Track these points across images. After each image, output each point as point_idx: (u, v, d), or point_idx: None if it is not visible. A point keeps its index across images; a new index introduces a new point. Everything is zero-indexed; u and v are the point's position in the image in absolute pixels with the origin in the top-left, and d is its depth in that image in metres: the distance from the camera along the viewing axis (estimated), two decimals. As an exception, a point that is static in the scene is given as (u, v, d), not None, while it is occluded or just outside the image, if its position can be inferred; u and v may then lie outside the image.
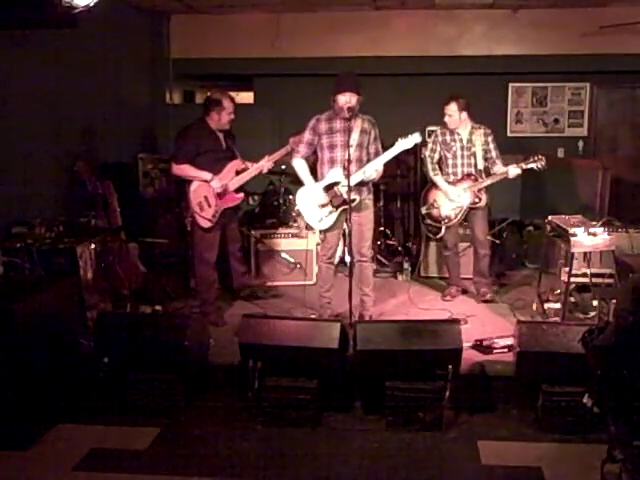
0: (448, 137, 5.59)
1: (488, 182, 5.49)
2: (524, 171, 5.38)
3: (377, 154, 4.86)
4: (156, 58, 8.05)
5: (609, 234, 4.78)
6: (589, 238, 4.69)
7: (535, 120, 8.11)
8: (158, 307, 5.24)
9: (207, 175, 5.01)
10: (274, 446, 3.65)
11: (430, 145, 5.70)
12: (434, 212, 5.68)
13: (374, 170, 4.73)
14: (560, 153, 8.04)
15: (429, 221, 5.77)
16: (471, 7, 7.53)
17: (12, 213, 5.20)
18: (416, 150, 6.36)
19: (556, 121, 8.08)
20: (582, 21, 7.44)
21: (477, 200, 5.51)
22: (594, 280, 5.02)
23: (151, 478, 3.37)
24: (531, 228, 6.82)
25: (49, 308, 4.10)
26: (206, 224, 5.03)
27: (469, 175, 5.53)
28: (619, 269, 4.81)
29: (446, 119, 5.53)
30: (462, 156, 5.54)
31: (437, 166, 5.66)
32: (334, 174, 4.78)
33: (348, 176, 4.53)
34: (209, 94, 5.30)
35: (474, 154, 5.50)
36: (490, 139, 5.52)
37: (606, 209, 6.58)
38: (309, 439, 3.73)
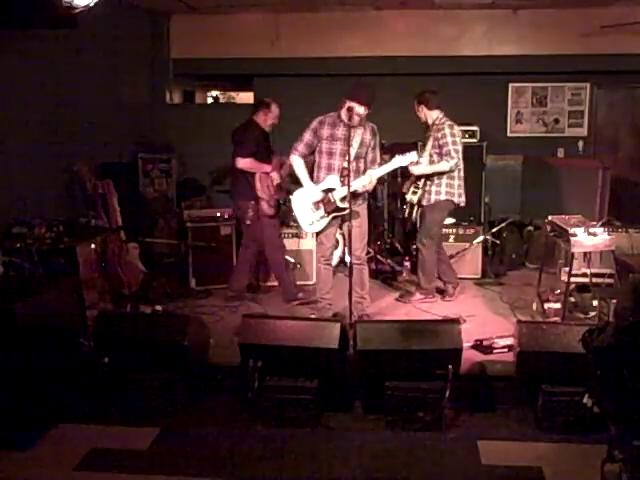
0: (425, 134, 5.61)
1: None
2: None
3: (374, 162, 4.89)
4: (156, 58, 8.06)
5: (609, 234, 4.79)
6: (589, 238, 4.69)
7: (535, 120, 8.11)
8: (158, 307, 5.24)
9: (268, 167, 5.41)
10: (274, 446, 3.65)
11: None
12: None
13: (367, 182, 4.76)
14: (560, 153, 8.05)
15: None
16: (471, 7, 7.53)
17: (12, 213, 5.20)
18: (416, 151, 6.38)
19: (556, 121, 8.08)
20: (582, 21, 7.44)
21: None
22: (594, 280, 5.03)
23: (151, 478, 3.37)
24: (531, 228, 6.82)
25: (49, 308, 4.11)
26: (271, 211, 5.43)
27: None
28: (619, 269, 4.81)
29: None
30: (423, 152, 5.47)
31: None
32: (330, 180, 4.81)
33: (348, 185, 4.55)
34: (262, 97, 5.70)
35: (425, 151, 5.44)
36: (440, 135, 5.32)
37: (606, 209, 6.58)
38: (309, 439, 3.72)
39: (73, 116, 6.07)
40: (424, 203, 5.47)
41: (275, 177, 5.41)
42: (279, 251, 5.62)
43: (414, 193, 5.50)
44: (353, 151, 4.68)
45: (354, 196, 4.71)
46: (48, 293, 4.16)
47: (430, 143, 5.40)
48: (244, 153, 5.32)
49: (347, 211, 4.61)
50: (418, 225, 5.77)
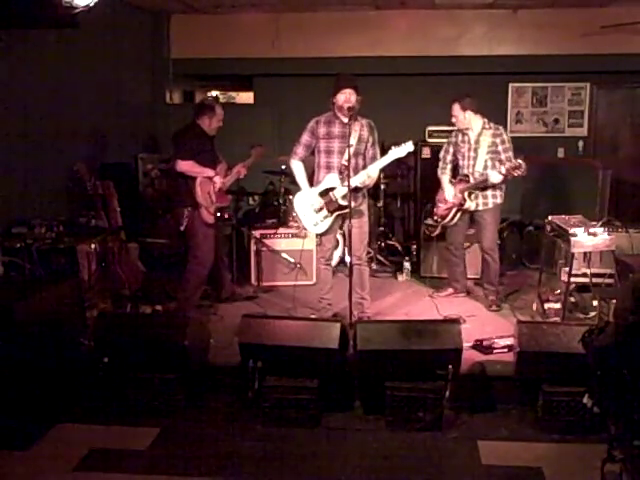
0: (460, 138, 5.50)
1: (472, 185, 5.34)
2: (506, 177, 5.12)
3: (374, 159, 4.83)
4: (156, 58, 8.06)
5: (609, 234, 4.78)
6: (589, 238, 4.69)
7: (535, 120, 8.11)
8: (158, 307, 5.24)
9: (211, 172, 5.12)
10: (274, 446, 3.65)
11: (445, 145, 5.67)
12: (435, 210, 5.67)
13: (367, 176, 4.72)
14: (560, 153, 8.04)
15: (429, 220, 5.85)
16: (471, 7, 7.53)
17: (12, 213, 5.20)
18: (416, 151, 6.37)
19: (556, 121, 8.08)
20: (582, 21, 7.44)
21: (462, 202, 5.38)
22: (594, 280, 5.03)
23: (151, 478, 3.37)
24: (531, 228, 6.81)
25: (49, 308, 4.10)
26: (210, 219, 5.10)
27: (466, 176, 5.42)
28: (619, 269, 4.81)
29: (453, 120, 5.45)
30: (468, 157, 5.41)
31: (448, 165, 5.58)
32: (330, 179, 4.79)
33: (348, 182, 4.53)
34: (203, 99, 5.39)
35: (477, 156, 5.35)
36: (499, 140, 5.30)
37: (606, 209, 6.58)
38: (309, 439, 3.72)
39: (73, 116, 6.07)
40: (480, 208, 5.38)
41: (217, 183, 5.12)
42: (203, 265, 5.16)
43: (473, 199, 5.38)
44: (351, 149, 4.65)
45: (355, 193, 4.70)
46: (48, 293, 4.16)
47: (485, 148, 5.30)
48: (184, 155, 5.00)
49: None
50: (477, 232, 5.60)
